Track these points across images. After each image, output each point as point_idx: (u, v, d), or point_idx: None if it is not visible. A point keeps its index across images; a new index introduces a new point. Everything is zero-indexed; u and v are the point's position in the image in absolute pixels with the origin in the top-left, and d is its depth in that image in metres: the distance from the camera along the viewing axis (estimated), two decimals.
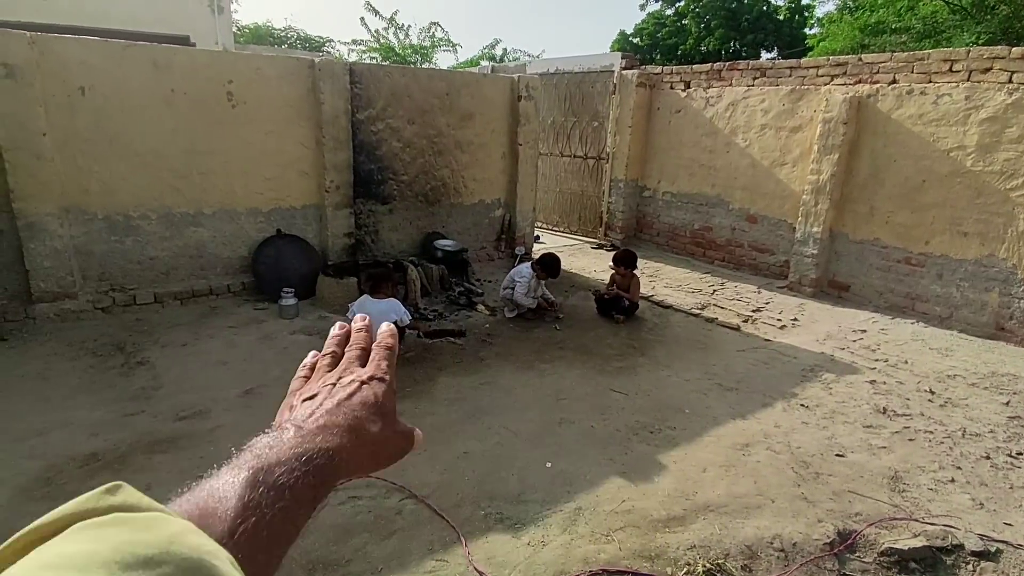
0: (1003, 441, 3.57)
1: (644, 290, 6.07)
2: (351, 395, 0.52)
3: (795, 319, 5.61)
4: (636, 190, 8.37)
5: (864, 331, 5.31)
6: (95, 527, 0.31)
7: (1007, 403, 4.03)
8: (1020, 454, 3.43)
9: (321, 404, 0.51)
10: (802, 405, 3.97)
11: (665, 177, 7.98)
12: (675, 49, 24.13)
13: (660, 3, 25.65)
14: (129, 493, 0.34)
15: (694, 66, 7.56)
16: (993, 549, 2.69)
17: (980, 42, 8.46)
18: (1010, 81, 4.88)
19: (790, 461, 3.32)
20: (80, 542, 0.30)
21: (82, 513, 0.32)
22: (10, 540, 0.30)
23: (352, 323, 0.62)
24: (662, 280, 6.81)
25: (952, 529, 2.77)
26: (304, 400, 0.52)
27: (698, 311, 5.76)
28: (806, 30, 20.24)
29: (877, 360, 4.71)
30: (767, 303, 6.04)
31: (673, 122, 7.74)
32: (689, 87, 7.52)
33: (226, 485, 0.41)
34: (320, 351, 0.61)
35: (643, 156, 8.19)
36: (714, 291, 6.42)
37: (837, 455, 3.39)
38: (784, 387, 4.22)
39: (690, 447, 3.43)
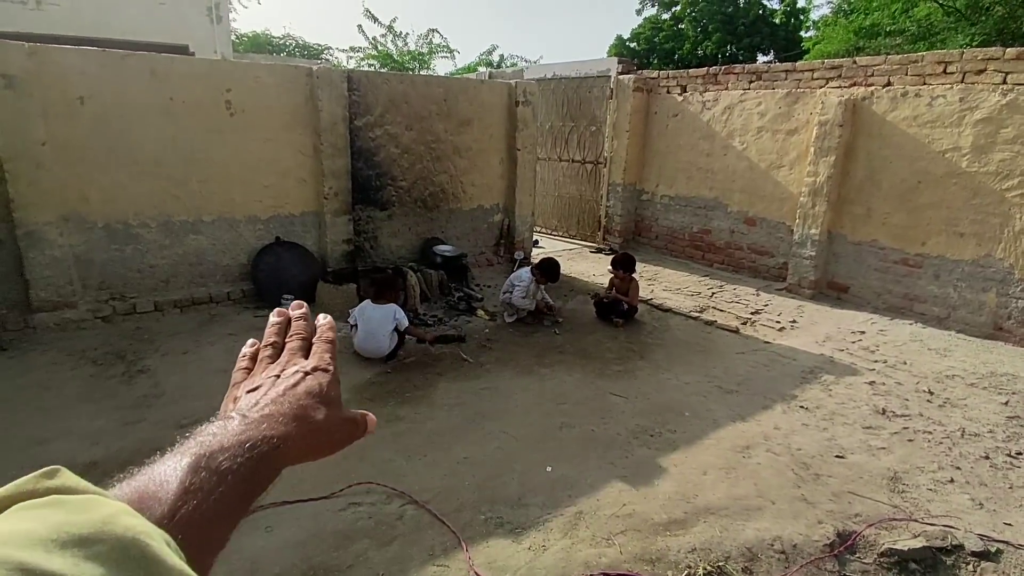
0: (1002, 441, 3.57)
1: (643, 293, 6.07)
2: (295, 384, 0.52)
3: (794, 321, 5.62)
4: (634, 194, 8.39)
5: (863, 332, 5.33)
6: (33, 508, 0.32)
7: (1006, 403, 4.04)
8: (1019, 454, 3.43)
9: (266, 394, 0.51)
10: (802, 407, 3.98)
11: (663, 181, 8.01)
12: (672, 53, 24.26)
13: (656, 8, 25.80)
14: (67, 476, 0.35)
15: (690, 70, 7.60)
16: (993, 549, 2.69)
17: (974, 44, 8.50)
18: (1004, 82, 4.92)
19: (790, 463, 3.32)
20: (18, 521, 0.31)
21: (21, 495, 0.33)
22: None
23: (291, 309, 0.61)
24: (661, 283, 6.82)
25: (952, 529, 2.78)
26: (248, 391, 0.53)
27: (697, 314, 5.77)
28: (802, 33, 20.38)
29: (876, 361, 4.72)
30: (766, 305, 6.05)
31: (670, 126, 7.78)
32: (686, 91, 7.56)
33: (168, 470, 0.42)
34: (273, 327, 0.60)
35: (641, 160, 8.22)
36: (713, 294, 6.43)
37: (837, 456, 3.40)
38: (784, 389, 4.23)
39: (690, 450, 3.43)
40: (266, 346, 0.59)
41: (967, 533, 2.76)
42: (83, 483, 0.35)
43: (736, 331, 5.38)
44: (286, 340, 0.59)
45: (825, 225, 6.12)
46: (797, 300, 6.25)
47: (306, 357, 0.57)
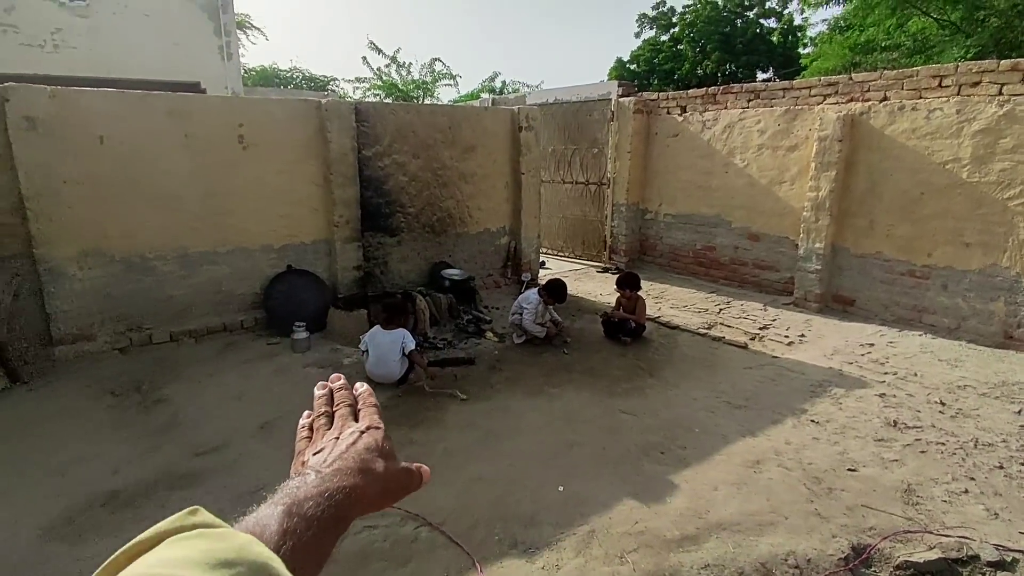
0: (1016, 450, 3.55)
1: (650, 311, 6.11)
2: (355, 442, 0.61)
3: (802, 335, 5.63)
4: (638, 213, 8.49)
5: (872, 345, 5.32)
6: (184, 539, 0.40)
7: (1019, 412, 4.02)
8: None
9: (331, 452, 0.60)
10: (812, 421, 3.98)
11: (665, 200, 8.10)
12: (672, 74, 24.58)
13: (655, 30, 26.22)
14: (205, 515, 0.44)
15: (689, 91, 7.74)
16: (1009, 559, 2.67)
17: (969, 56, 8.59)
18: (1000, 93, 4.98)
19: (802, 477, 3.32)
20: (176, 549, 0.39)
21: (172, 530, 0.41)
22: (118, 552, 0.39)
23: (331, 381, 0.71)
24: (668, 301, 6.86)
25: (967, 540, 2.76)
26: (315, 454, 0.61)
27: (705, 330, 5.80)
28: (799, 50, 20.64)
29: (886, 373, 4.71)
30: (773, 320, 6.07)
31: (671, 146, 7.90)
32: (685, 111, 7.69)
33: (267, 516, 0.49)
34: (320, 399, 0.69)
35: (643, 180, 8.34)
36: (720, 310, 6.46)
37: (849, 470, 3.39)
38: (793, 403, 4.24)
39: (701, 466, 3.45)
40: (319, 416, 0.67)
41: (983, 543, 2.74)
42: (217, 520, 0.44)
43: (744, 347, 5.40)
44: (334, 409, 0.68)
45: (829, 239, 6.16)
46: (804, 314, 6.26)
47: (356, 420, 0.65)
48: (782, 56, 21.96)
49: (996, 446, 3.60)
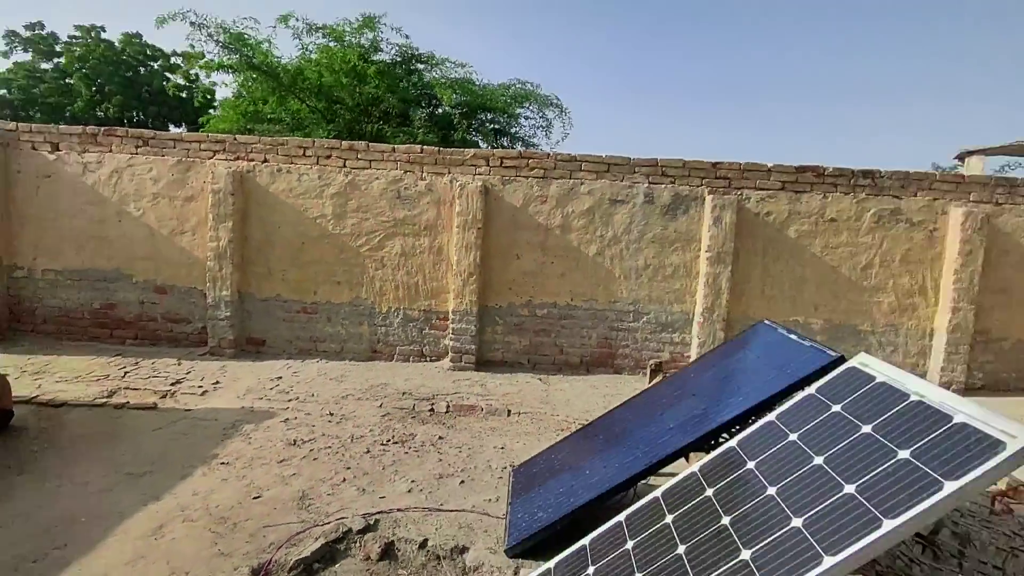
0: (378, 435, 4.60)
1: (23, 392, 4.86)
2: None
3: (217, 382, 5.66)
4: (2, 271, 6.63)
5: (280, 378, 5.88)
6: None
7: (380, 406, 5.25)
8: (388, 441, 4.50)
9: None
10: (222, 463, 4.01)
11: (44, 253, 6.66)
12: (61, 109, 20.74)
13: (30, 53, 21.60)
14: None
15: (62, 127, 6.68)
16: (372, 522, 3.37)
17: (330, 136, 10.94)
18: (345, 166, 6.49)
19: (208, 523, 3.28)
20: None
21: None
22: None
23: None
24: (54, 375, 5.60)
25: (343, 520, 3.34)
26: None
27: (104, 399, 5.02)
28: (211, 111, 21.22)
29: (290, 400, 5.28)
30: (188, 372, 5.87)
31: (44, 188, 6.57)
32: (59, 149, 6.56)
33: None
34: None
35: (7, 229, 6.59)
36: (126, 373, 5.76)
37: (255, 498, 3.57)
38: (205, 451, 4.17)
39: (87, 559, 2.91)
40: None
41: (353, 517, 3.37)
42: None
43: (154, 407, 4.97)
44: None
45: (235, 286, 6.49)
46: (220, 361, 6.34)
47: None
48: (195, 113, 21.96)
49: (366, 436, 4.56)
